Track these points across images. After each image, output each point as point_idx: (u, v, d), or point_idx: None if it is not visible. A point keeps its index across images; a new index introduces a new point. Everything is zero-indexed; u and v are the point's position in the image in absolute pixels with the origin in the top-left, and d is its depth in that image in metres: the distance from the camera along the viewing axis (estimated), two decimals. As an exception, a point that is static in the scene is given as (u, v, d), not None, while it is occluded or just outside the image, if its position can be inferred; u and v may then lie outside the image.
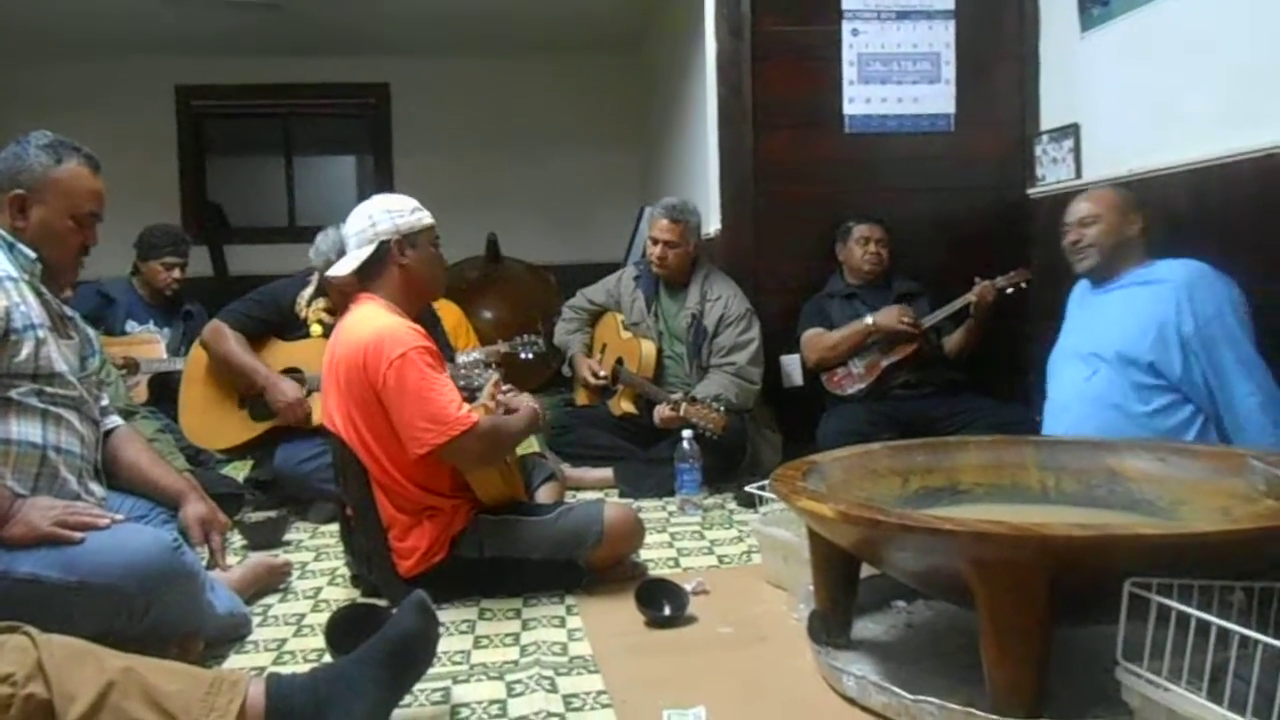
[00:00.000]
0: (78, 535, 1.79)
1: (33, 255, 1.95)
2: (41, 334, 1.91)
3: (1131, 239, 2.71)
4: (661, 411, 3.38)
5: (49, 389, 1.92)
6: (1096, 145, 3.46)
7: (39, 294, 1.96)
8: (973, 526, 1.47)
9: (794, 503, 1.74)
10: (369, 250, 2.31)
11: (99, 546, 1.79)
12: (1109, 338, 2.62)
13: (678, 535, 2.91)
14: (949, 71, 3.87)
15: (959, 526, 1.47)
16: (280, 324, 3.31)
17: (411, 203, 2.38)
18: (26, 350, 1.87)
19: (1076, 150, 3.53)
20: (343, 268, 2.37)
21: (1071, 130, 3.55)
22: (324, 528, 3.06)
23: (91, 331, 2.22)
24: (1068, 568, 1.42)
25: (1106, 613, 1.44)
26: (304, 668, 1.91)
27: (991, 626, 1.48)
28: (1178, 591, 1.36)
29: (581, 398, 3.97)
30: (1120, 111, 3.32)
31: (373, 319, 2.28)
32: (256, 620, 2.23)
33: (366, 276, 2.35)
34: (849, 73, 3.84)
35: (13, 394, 1.86)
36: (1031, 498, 2.08)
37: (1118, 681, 1.43)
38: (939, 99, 3.87)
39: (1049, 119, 3.75)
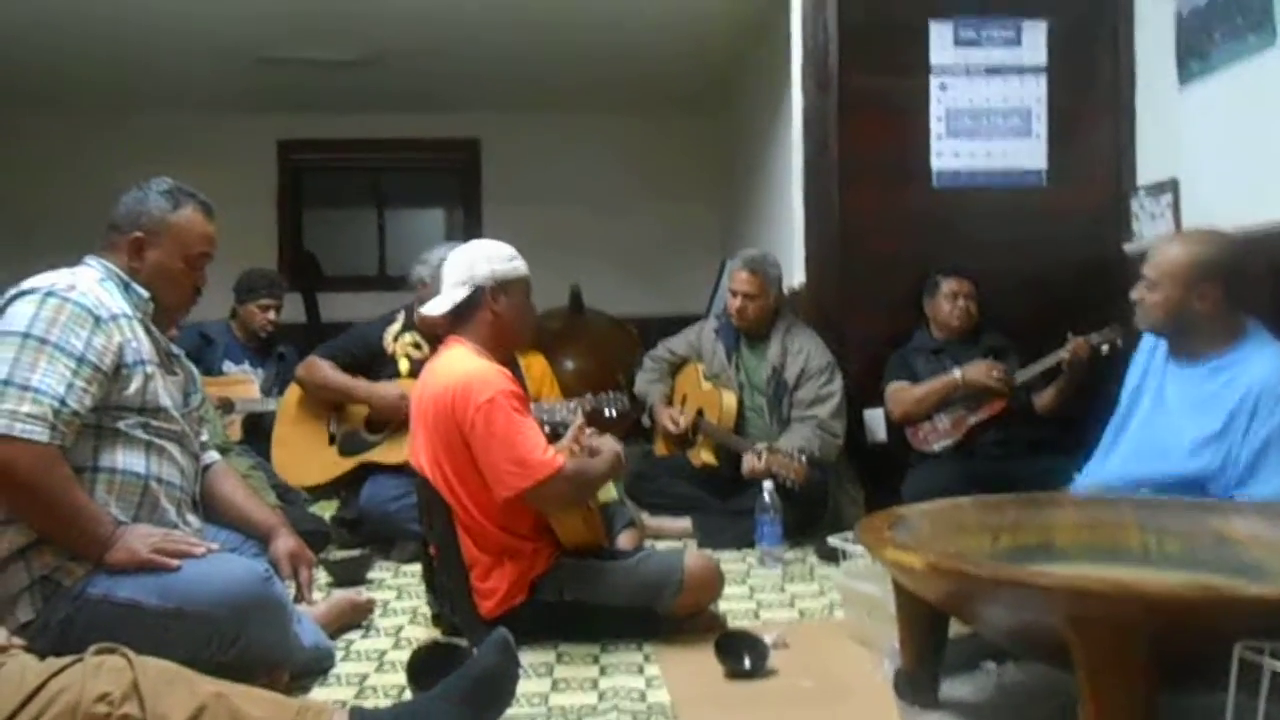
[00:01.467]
0: (175, 562, 1.85)
1: (146, 295, 2.04)
2: (150, 370, 1.99)
3: (1200, 314, 2.32)
4: (751, 463, 3.34)
5: (154, 422, 1.99)
6: (1197, 200, 3.37)
7: (149, 332, 2.05)
8: (1070, 582, 1.43)
9: (880, 553, 1.70)
10: (464, 293, 2.37)
11: (195, 574, 1.84)
12: (1183, 458, 2.29)
13: (758, 587, 2.87)
14: (1040, 127, 3.82)
15: (1056, 581, 1.43)
16: (369, 361, 3.43)
17: (509, 250, 2.44)
18: (135, 385, 1.95)
19: (1175, 206, 3.44)
20: (436, 307, 2.42)
21: (1170, 185, 3.47)
22: (406, 567, 3.09)
23: (194, 369, 2.30)
24: (1173, 628, 1.36)
25: (1211, 679, 1.38)
26: (385, 703, 1.92)
27: (1090, 689, 1.42)
28: (1293, 658, 1.29)
29: (661, 448, 3.96)
30: (1222, 166, 3.23)
31: (461, 362, 2.32)
32: (340, 655, 2.26)
33: (458, 319, 2.40)
34: (937, 127, 3.82)
35: (120, 425, 1.94)
36: (1132, 559, 1.99)
37: (1228, 752, 1.36)
38: (1030, 154, 3.82)
39: (1146, 174, 3.67)
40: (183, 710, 1.47)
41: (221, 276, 3.39)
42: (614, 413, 3.80)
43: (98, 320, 1.90)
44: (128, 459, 1.94)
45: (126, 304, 2.00)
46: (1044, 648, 1.62)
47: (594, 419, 3.68)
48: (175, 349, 2.20)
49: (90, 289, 1.94)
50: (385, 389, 3.32)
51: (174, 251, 2.06)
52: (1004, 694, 1.91)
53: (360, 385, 3.36)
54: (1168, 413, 2.42)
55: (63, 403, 1.81)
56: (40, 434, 1.77)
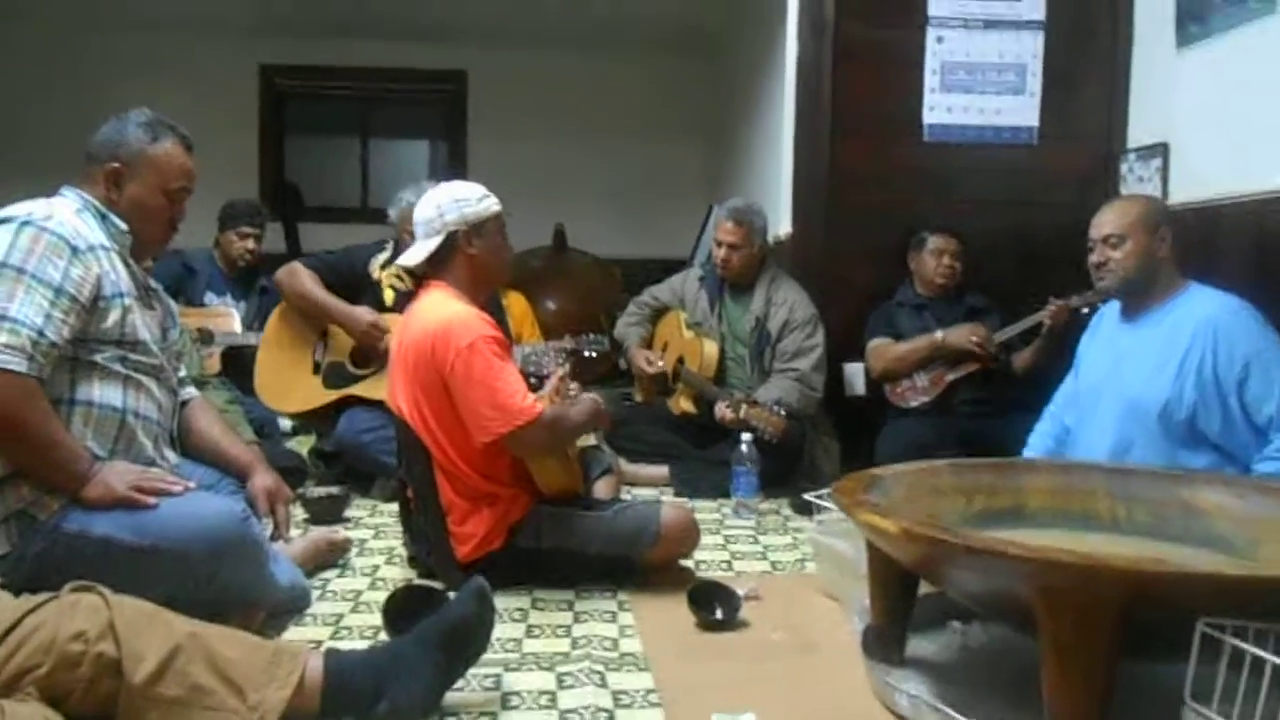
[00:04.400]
0: (152, 500, 1.84)
1: (124, 226, 2.00)
2: (128, 302, 1.97)
3: (1161, 259, 2.47)
4: (721, 411, 3.36)
5: (132, 356, 1.97)
6: (1186, 166, 3.37)
7: (126, 264, 2.01)
8: (1042, 553, 1.44)
9: (856, 515, 1.72)
10: (437, 241, 2.34)
11: (172, 512, 1.84)
12: (1143, 389, 2.42)
13: (732, 538, 2.90)
14: (1035, 84, 3.79)
15: (1028, 552, 1.44)
16: (354, 284, 3.42)
17: (478, 190, 2.40)
18: (113, 317, 1.93)
19: (1164, 170, 3.44)
20: (413, 258, 2.40)
21: (1160, 150, 3.46)
22: (384, 506, 3.11)
23: (173, 304, 2.28)
24: (1140, 601, 1.38)
25: (1172, 651, 1.41)
26: (360, 644, 1.95)
27: (1054, 656, 1.44)
28: (1253, 635, 1.32)
29: (641, 395, 3.97)
30: (1214, 133, 3.22)
31: (441, 306, 2.31)
32: (315, 594, 2.27)
33: (436, 265, 2.38)
34: (931, 80, 3.79)
35: (98, 358, 1.92)
36: (1101, 527, 2.02)
37: (1183, 722, 1.40)
38: (1023, 111, 3.80)
39: (1137, 137, 3.66)
40: (158, 650, 1.48)
41: (202, 204, 3.33)
42: (593, 354, 3.81)
43: (75, 251, 1.87)
44: (105, 392, 1.92)
45: (104, 235, 1.97)
46: (1011, 613, 1.65)
47: (573, 359, 3.70)
48: (153, 283, 2.17)
49: (67, 219, 1.91)
50: (359, 313, 3.31)
51: (153, 185, 2.02)
52: (969, 653, 1.94)
53: (337, 305, 3.33)
54: (1124, 360, 2.54)
55: (41, 333, 1.78)
56: (18, 364, 1.75)
